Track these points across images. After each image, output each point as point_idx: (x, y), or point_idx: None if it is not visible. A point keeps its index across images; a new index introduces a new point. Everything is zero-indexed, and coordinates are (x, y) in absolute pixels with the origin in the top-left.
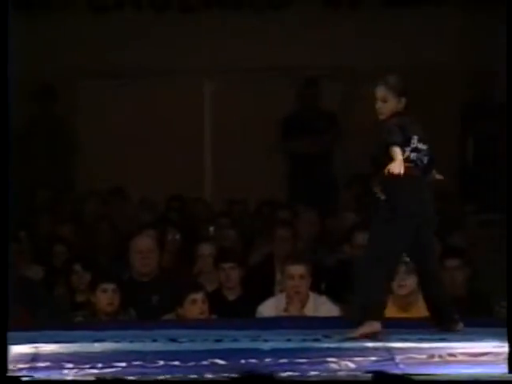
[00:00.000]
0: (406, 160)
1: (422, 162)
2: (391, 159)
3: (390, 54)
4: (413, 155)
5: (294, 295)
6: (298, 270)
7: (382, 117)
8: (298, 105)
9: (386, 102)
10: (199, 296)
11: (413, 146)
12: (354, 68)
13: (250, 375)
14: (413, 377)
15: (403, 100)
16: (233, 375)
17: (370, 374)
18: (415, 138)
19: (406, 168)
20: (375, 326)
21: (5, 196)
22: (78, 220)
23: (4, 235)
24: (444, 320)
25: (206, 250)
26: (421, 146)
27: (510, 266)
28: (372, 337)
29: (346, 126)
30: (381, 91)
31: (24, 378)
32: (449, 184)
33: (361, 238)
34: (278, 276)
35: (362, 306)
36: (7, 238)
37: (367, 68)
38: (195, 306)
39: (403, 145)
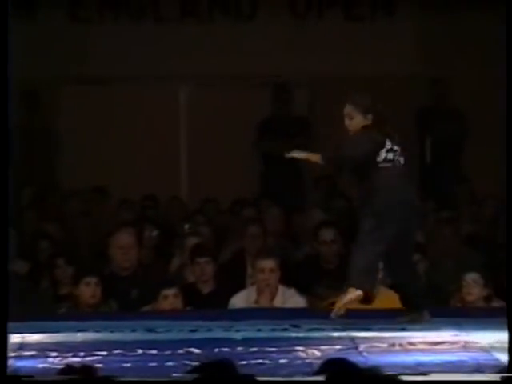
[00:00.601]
0: (384, 160)
1: (399, 161)
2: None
3: (356, 62)
4: (389, 155)
5: (264, 288)
6: (268, 264)
7: (350, 133)
8: (271, 109)
9: (353, 119)
10: (171, 292)
11: (388, 147)
12: (322, 75)
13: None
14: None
15: (369, 117)
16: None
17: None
18: (388, 141)
19: (385, 167)
20: (356, 292)
21: (5, 194)
22: (61, 217)
23: (4, 228)
24: (414, 310)
25: (193, 242)
26: (395, 147)
27: (510, 265)
28: (363, 302)
29: (316, 129)
30: (347, 109)
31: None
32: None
33: (327, 234)
34: (249, 270)
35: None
36: (7, 231)
37: (334, 75)
38: (167, 301)
39: (378, 149)
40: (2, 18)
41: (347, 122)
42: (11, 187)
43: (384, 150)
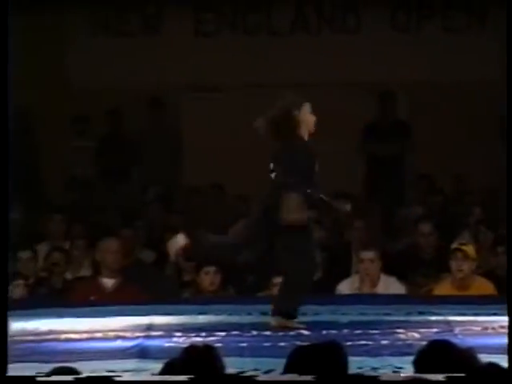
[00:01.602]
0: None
1: None
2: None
3: (452, 69)
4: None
5: (364, 276)
6: (368, 255)
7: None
8: (375, 114)
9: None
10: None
11: None
12: (423, 82)
13: None
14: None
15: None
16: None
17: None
18: None
19: None
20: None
21: (5, 194)
22: (184, 211)
23: (4, 221)
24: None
25: None
26: None
27: (511, 264)
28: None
29: (416, 134)
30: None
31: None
32: (495, 183)
33: (425, 227)
34: (354, 259)
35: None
36: (7, 223)
37: (432, 82)
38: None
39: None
40: (2, 18)
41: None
42: (133, 185)
43: None
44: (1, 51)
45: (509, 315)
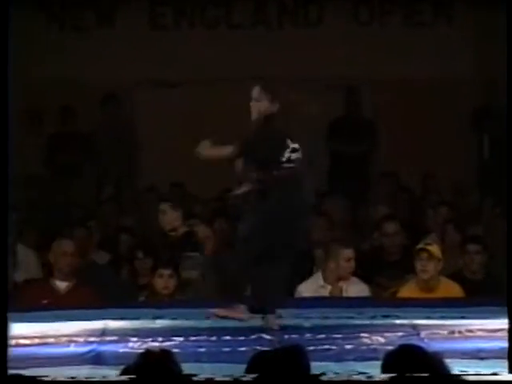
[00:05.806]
0: (288, 161)
1: (299, 161)
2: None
3: (414, 66)
4: (293, 156)
5: (338, 275)
6: (350, 253)
7: (253, 116)
8: (341, 112)
9: (259, 102)
10: None
11: (292, 146)
12: (388, 78)
13: None
14: None
15: (276, 104)
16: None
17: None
18: (288, 139)
19: (288, 168)
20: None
21: (5, 192)
22: (140, 212)
23: (4, 221)
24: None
25: None
26: (295, 145)
27: (510, 263)
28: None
29: (381, 130)
30: (255, 91)
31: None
32: (469, 181)
33: (390, 227)
34: (317, 258)
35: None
36: (6, 222)
37: (396, 78)
38: None
39: (281, 147)
40: (2, 18)
41: (253, 103)
42: (87, 184)
43: (288, 150)
44: (1, 52)
45: (509, 318)
